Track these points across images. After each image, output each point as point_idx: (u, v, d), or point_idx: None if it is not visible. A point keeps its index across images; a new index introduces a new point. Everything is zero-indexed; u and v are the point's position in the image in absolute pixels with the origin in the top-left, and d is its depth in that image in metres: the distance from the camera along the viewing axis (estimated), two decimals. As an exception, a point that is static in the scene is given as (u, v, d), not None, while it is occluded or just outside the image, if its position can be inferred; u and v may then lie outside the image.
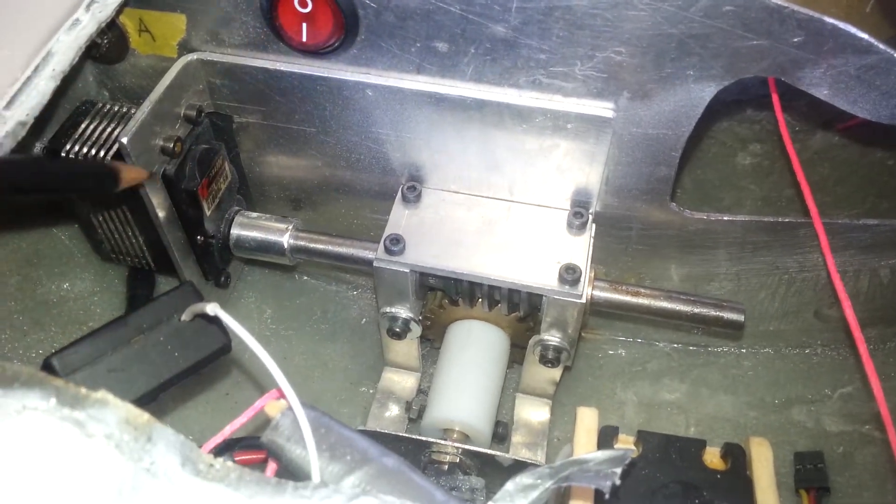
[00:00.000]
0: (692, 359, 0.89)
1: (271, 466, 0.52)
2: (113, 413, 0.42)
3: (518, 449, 0.82)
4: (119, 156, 0.68)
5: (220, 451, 0.68)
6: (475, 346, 0.79)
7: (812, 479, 0.76)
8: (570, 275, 0.70)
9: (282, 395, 0.51)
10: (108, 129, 0.73)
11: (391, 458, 0.52)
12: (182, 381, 0.58)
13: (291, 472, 0.51)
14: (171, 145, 0.71)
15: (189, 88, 0.73)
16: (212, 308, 0.53)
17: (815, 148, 1.05)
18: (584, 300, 0.70)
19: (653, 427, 0.84)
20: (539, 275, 0.70)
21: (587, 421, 0.62)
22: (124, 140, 0.65)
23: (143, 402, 0.57)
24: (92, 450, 0.40)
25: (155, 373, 0.57)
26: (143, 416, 0.44)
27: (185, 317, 0.58)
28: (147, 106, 0.68)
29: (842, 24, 0.57)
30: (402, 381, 0.87)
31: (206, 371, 0.63)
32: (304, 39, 0.67)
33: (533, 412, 0.85)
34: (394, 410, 0.85)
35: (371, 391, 0.87)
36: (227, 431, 0.54)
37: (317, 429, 0.52)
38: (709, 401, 0.86)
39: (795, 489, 0.77)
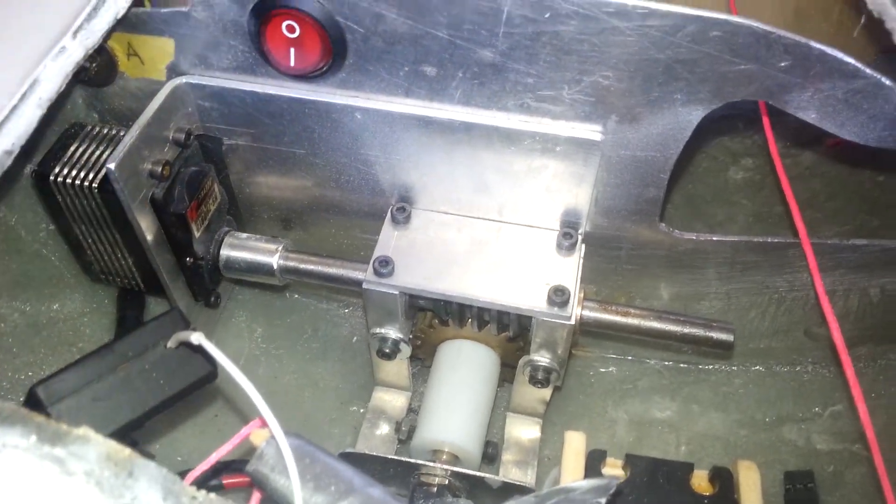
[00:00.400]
0: (683, 376, 0.89)
1: (256, 496, 0.52)
2: (94, 449, 0.42)
3: (508, 468, 0.82)
4: (106, 180, 0.68)
5: (208, 475, 0.68)
6: (465, 366, 0.79)
7: (802, 499, 0.76)
8: (558, 296, 0.70)
9: (265, 424, 0.51)
10: (98, 152, 0.73)
11: (376, 489, 0.52)
12: (168, 408, 0.58)
13: (276, 502, 0.51)
14: (160, 169, 0.70)
15: (178, 112, 0.73)
16: (196, 337, 0.53)
17: (805, 164, 1.05)
18: (573, 322, 0.70)
19: (643, 446, 0.85)
20: (528, 296, 0.70)
21: (575, 445, 0.62)
22: (111, 166, 0.65)
23: (128, 430, 0.56)
24: (71, 488, 0.40)
25: (140, 401, 0.57)
26: (124, 452, 0.43)
27: (170, 344, 0.58)
28: (135, 131, 0.67)
29: (829, 49, 0.57)
30: (393, 401, 0.87)
31: (194, 394, 0.63)
32: (293, 64, 0.67)
33: (523, 431, 0.85)
34: (384, 430, 0.85)
35: (362, 410, 0.87)
36: (212, 459, 0.54)
37: (301, 458, 0.52)
38: (699, 419, 0.86)
39: (786, 510, 0.77)
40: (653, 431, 0.86)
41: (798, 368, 0.88)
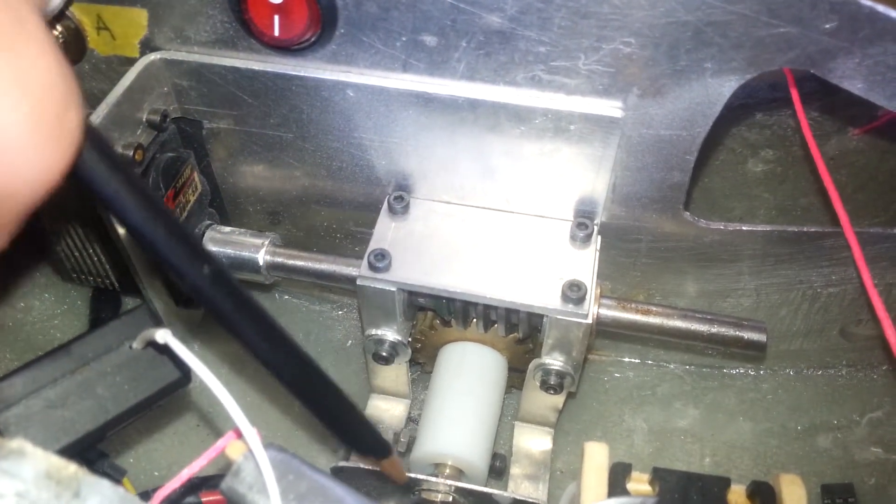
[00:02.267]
0: (706, 381, 0.82)
1: (233, 519, 0.45)
2: (31, 466, 0.35)
3: (518, 482, 0.75)
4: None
5: (182, 493, 0.61)
6: (469, 371, 0.72)
7: (844, 516, 0.69)
8: (573, 292, 0.63)
9: (240, 436, 0.44)
10: (62, 136, 0.66)
11: (371, 510, 0.45)
12: (135, 417, 0.51)
13: (255, 527, 0.44)
14: (132, 153, 0.64)
15: (152, 91, 0.66)
16: (161, 335, 0.46)
17: (830, 154, 0.98)
18: (589, 320, 0.63)
19: (665, 458, 0.78)
20: (539, 293, 0.64)
21: (597, 458, 0.55)
22: (75, 147, 0.58)
23: (88, 442, 0.50)
24: (-3, 515, 0.33)
25: (101, 409, 0.50)
26: (69, 468, 0.37)
27: (136, 344, 0.51)
28: (103, 110, 0.61)
29: (881, 8, 0.50)
30: (391, 409, 0.80)
31: (173, 400, 0.57)
32: (277, 34, 0.60)
33: (533, 441, 0.78)
34: (382, 441, 0.77)
35: (357, 420, 0.80)
36: (183, 477, 0.47)
37: (283, 474, 0.45)
38: (726, 428, 0.79)
39: (825, 527, 0.69)
40: (675, 441, 0.79)
41: (832, 372, 0.81)
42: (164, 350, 0.47)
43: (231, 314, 0.43)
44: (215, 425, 0.78)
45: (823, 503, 0.71)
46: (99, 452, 0.65)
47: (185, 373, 0.50)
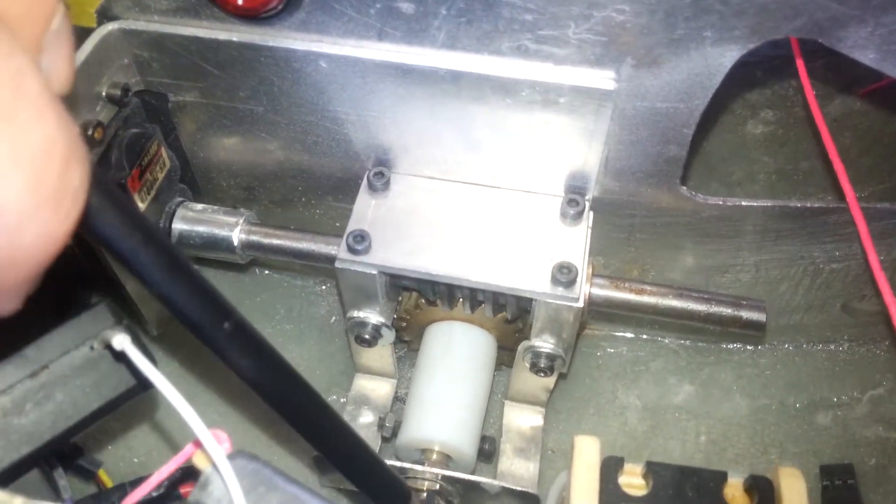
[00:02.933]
0: (702, 356, 0.80)
1: (201, 535, 0.43)
2: (-35, 506, 0.32)
3: (509, 458, 0.72)
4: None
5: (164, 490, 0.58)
6: (457, 351, 0.70)
7: (842, 499, 0.67)
8: (564, 275, 0.59)
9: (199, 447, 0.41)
10: (15, 113, 0.61)
11: (347, 525, 0.42)
12: (98, 420, 0.48)
13: (225, 543, 0.42)
14: (91, 132, 0.59)
15: (111, 64, 0.61)
16: (119, 341, 0.43)
17: (834, 115, 0.94)
18: (581, 304, 0.60)
19: (659, 436, 0.76)
20: (528, 276, 0.60)
21: (587, 454, 0.52)
22: (26, 128, 0.54)
23: (47, 450, 0.47)
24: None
25: (61, 415, 0.47)
26: (14, 501, 0.34)
27: (97, 345, 0.48)
28: (57, 85, 0.56)
29: (897, -28, 0.46)
30: (377, 389, 0.77)
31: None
32: (241, 1, 0.56)
33: (524, 418, 0.75)
34: (368, 419, 0.75)
35: (342, 400, 0.77)
36: (152, 483, 0.44)
37: (254, 486, 0.42)
38: (722, 404, 0.77)
39: (824, 511, 0.68)
40: (669, 419, 0.76)
41: (833, 347, 0.79)
42: (122, 357, 0.43)
43: (252, 369, 0.43)
44: (198, 408, 0.75)
45: (822, 484, 0.69)
46: (73, 446, 0.63)
47: (142, 381, 0.47)
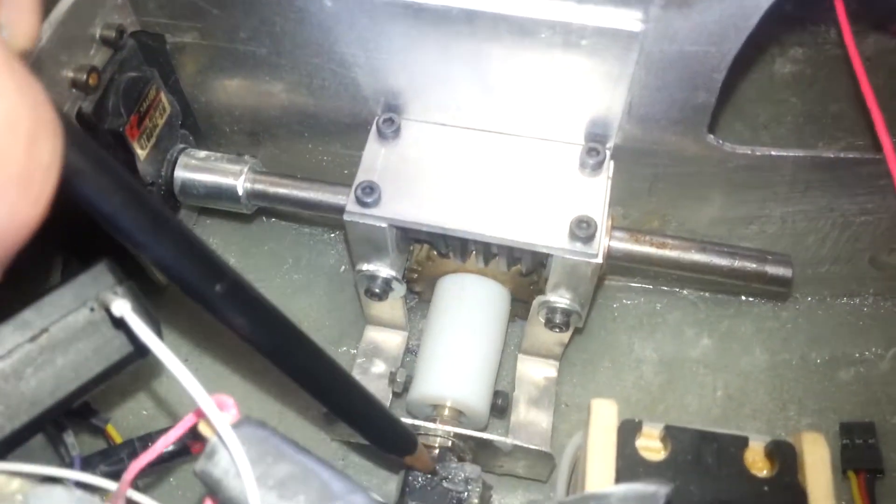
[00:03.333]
0: (721, 309, 0.77)
1: (208, 504, 0.41)
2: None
3: (522, 411, 0.71)
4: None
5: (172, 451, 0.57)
6: (469, 304, 0.67)
7: (862, 458, 0.65)
8: (582, 230, 0.57)
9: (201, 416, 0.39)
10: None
11: (360, 496, 0.41)
12: (99, 386, 0.47)
13: (231, 513, 0.40)
14: (85, 77, 0.56)
15: (104, 3, 0.58)
16: (118, 307, 0.41)
17: (866, 54, 0.89)
18: (599, 259, 0.57)
19: (675, 390, 0.74)
20: (545, 230, 0.58)
21: (604, 417, 0.51)
22: (15, 74, 0.51)
23: (48, 417, 0.45)
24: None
25: (62, 380, 0.45)
26: (12, 483, 0.32)
27: (97, 307, 0.46)
28: (47, 30, 0.53)
29: None
30: (388, 340, 0.76)
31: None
32: (239, -66, 0.52)
33: (537, 371, 0.74)
34: (380, 369, 0.73)
35: (353, 351, 0.76)
36: (157, 450, 0.43)
37: (262, 457, 0.41)
38: (740, 359, 0.75)
39: (842, 470, 0.66)
40: (685, 373, 0.74)
41: (857, 301, 0.76)
42: (121, 324, 0.41)
43: (249, 327, 0.42)
44: (205, 359, 0.74)
45: (842, 442, 0.67)
46: (83, 404, 0.61)
47: (141, 348, 0.45)
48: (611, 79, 0.56)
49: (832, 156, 0.60)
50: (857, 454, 0.66)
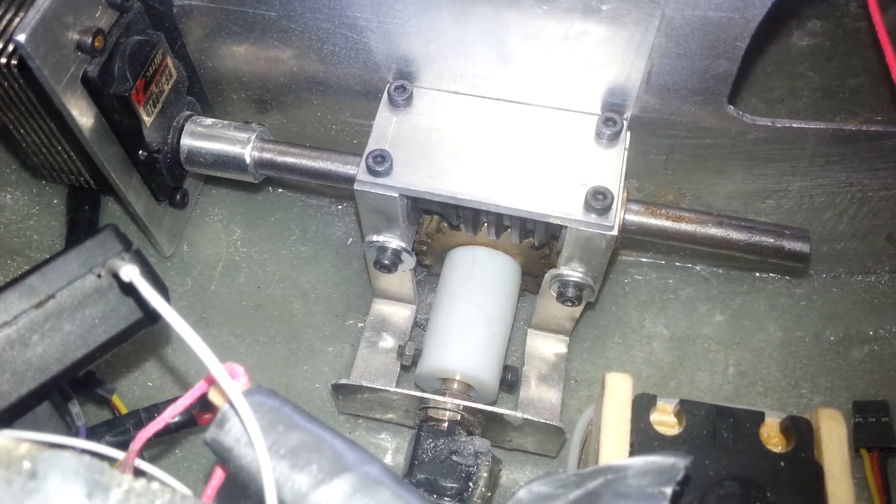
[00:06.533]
0: (734, 285, 0.76)
1: (218, 474, 0.41)
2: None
3: (531, 386, 0.70)
4: (21, 60, 0.53)
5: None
6: (479, 278, 0.67)
7: (875, 437, 0.65)
8: (598, 201, 0.56)
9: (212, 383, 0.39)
10: (6, 19, 0.57)
11: (373, 466, 0.40)
12: (106, 354, 0.46)
13: (242, 483, 0.40)
14: (90, 39, 0.55)
15: (110, -38, 0.56)
16: (127, 272, 0.40)
17: (888, 26, 0.87)
18: (615, 232, 0.56)
19: (687, 366, 0.73)
20: (559, 201, 0.57)
21: (619, 392, 0.50)
22: (21, 38, 0.50)
23: (55, 384, 0.44)
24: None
25: (70, 347, 0.44)
26: (20, 448, 0.32)
27: (104, 273, 0.45)
28: (51, -11, 0.52)
29: None
30: (396, 314, 0.75)
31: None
32: None
33: (547, 346, 0.73)
34: (389, 343, 0.72)
35: (360, 325, 0.75)
36: (166, 418, 0.42)
37: (273, 425, 0.40)
38: (753, 335, 0.74)
39: (855, 448, 0.65)
40: (697, 349, 0.74)
41: (872, 278, 0.75)
42: (130, 289, 0.40)
43: None
44: (215, 328, 0.74)
45: (855, 420, 0.67)
46: (89, 373, 0.61)
47: (150, 314, 0.44)
48: (630, 46, 0.55)
49: (854, 129, 0.59)
50: (869, 432, 0.65)
